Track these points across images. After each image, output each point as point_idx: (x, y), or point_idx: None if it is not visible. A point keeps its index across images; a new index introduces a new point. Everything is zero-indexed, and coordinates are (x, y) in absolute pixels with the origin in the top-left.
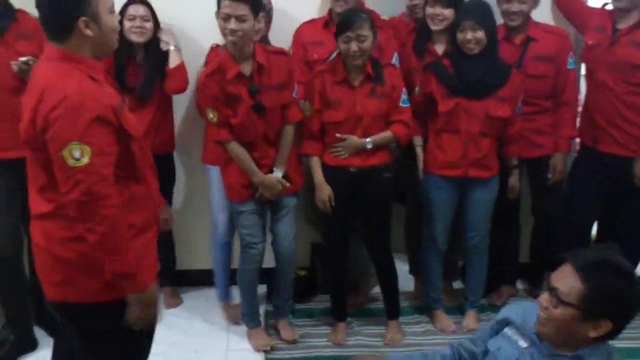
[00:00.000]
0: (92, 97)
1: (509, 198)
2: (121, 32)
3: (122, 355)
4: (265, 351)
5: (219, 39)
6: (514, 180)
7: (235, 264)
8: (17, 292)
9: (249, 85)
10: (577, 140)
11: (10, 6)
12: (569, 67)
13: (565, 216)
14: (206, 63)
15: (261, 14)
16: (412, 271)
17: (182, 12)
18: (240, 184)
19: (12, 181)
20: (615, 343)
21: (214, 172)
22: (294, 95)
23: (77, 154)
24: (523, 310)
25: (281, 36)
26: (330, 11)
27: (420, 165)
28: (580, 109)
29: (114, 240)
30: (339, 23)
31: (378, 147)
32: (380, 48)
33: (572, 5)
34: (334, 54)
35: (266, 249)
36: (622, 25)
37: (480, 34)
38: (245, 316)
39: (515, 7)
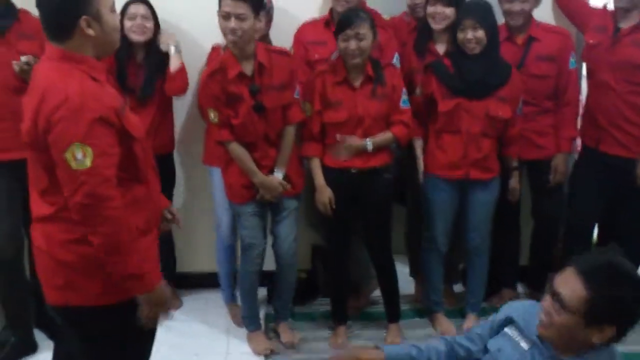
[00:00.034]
0: (94, 97)
1: (510, 200)
2: (122, 32)
3: (123, 359)
4: (265, 355)
5: (220, 39)
6: (514, 182)
7: None
8: (18, 294)
9: (250, 85)
10: (578, 141)
11: (12, 6)
12: (570, 67)
13: (567, 217)
14: (207, 63)
15: (261, 13)
16: (413, 273)
17: (183, 12)
18: (241, 184)
19: (13, 182)
20: (619, 346)
21: (216, 173)
22: (295, 95)
23: (79, 155)
24: (524, 310)
25: (282, 36)
26: (332, 11)
27: (421, 168)
28: (581, 109)
29: (119, 242)
30: (338, 21)
31: (378, 148)
32: (381, 48)
33: (573, 4)
34: (335, 54)
35: (267, 251)
36: (624, 25)
37: (481, 34)
38: (245, 319)
39: (517, 6)
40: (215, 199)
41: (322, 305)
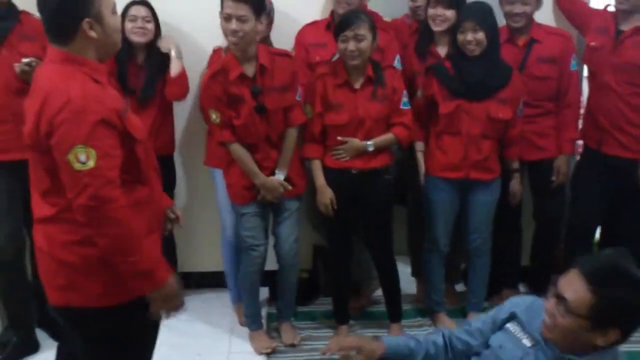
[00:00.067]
0: (96, 99)
1: (511, 203)
2: (122, 34)
3: (125, 359)
4: (267, 354)
5: (221, 41)
6: (515, 184)
7: None
8: (20, 295)
9: (251, 87)
10: (580, 142)
11: (14, 7)
12: (571, 68)
13: (569, 219)
14: (209, 66)
15: (262, 15)
16: (414, 273)
17: (184, 14)
18: (242, 185)
19: (14, 183)
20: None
21: (219, 175)
22: (297, 97)
23: (82, 157)
24: (528, 307)
25: (283, 37)
26: (333, 13)
27: (422, 170)
28: (582, 111)
29: (127, 241)
30: (338, 23)
31: (379, 150)
32: (382, 50)
33: (573, 6)
34: (336, 56)
35: (269, 251)
36: (625, 26)
37: (481, 35)
38: (247, 318)
39: (518, 8)
40: (219, 200)
41: (324, 305)
